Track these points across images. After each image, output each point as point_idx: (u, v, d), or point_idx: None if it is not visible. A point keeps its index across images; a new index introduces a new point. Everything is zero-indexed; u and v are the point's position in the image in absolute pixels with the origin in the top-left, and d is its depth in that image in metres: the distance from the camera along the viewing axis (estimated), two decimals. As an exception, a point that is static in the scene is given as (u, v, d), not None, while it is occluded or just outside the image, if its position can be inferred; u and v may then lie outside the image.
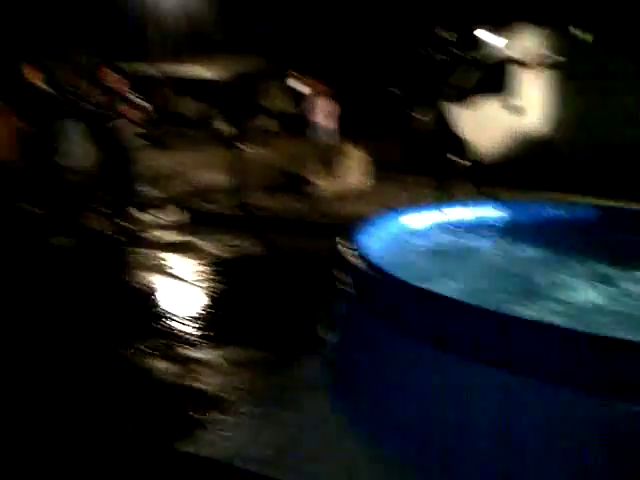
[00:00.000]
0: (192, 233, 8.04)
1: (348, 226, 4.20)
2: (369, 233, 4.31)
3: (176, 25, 20.94)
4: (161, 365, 4.46)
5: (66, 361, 4.56)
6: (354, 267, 3.59)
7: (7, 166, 8.48)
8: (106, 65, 10.41)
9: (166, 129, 18.35)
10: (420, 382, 3.20)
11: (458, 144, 10.31)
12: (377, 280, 3.36)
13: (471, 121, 11.10)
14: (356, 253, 3.77)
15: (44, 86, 9.04)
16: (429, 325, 2.98)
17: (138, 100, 8.89)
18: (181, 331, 5.09)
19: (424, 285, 3.16)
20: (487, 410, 2.85)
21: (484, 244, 5.13)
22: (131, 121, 8.71)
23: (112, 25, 20.79)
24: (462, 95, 11.43)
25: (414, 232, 4.99)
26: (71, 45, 19.16)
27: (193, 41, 21.78)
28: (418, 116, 12.98)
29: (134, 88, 9.27)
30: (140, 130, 8.92)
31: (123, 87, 8.90)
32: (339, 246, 3.95)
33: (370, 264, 3.46)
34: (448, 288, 3.54)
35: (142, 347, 4.74)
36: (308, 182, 10.09)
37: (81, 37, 19.57)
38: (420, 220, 5.10)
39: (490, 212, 5.39)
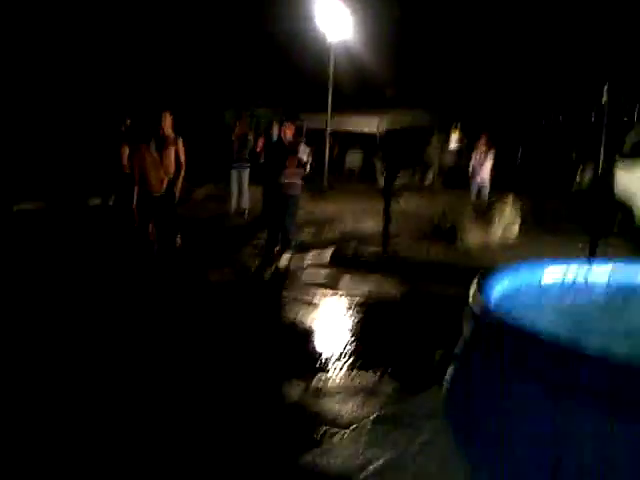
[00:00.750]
0: (341, 275, 8.47)
1: (482, 272, 4.35)
2: (498, 279, 4.40)
3: (350, 81, 21.91)
4: (300, 387, 4.91)
5: (219, 386, 5.04)
6: (470, 308, 3.74)
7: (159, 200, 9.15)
8: (283, 119, 11.19)
9: (330, 179, 19.24)
10: (534, 427, 3.23)
11: (617, 203, 10.02)
12: (488, 322, 3.47)
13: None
14: (479, 296, 3.90)
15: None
16: (537, 369, 3.01)
17: (306, 151, 9.44)
18: (321, 359, 5.50)
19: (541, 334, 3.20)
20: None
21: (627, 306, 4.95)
22: (297, 171, 9.24)
23: (288, 80, 22.20)
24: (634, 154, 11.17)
25: (547, 284, 4.95)
26: (249, 98, 20.71)
27: (365, 96, 22.67)
28: (584, 174, 12.74)
29: (304, 139, 9.87)
30: (303, 180, 9.43)
31: (294, 139, 9.48)
32: (470, 290, 4.12)
33: (484, 305, 3.58)
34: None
35: (283, 375, 5.17)
36: (459, 233, 10.20)
37: (259, 91, 21.08)
38: (555, 273, 5.04)
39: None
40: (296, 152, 9.21)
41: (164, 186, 8.91)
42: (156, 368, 5.23)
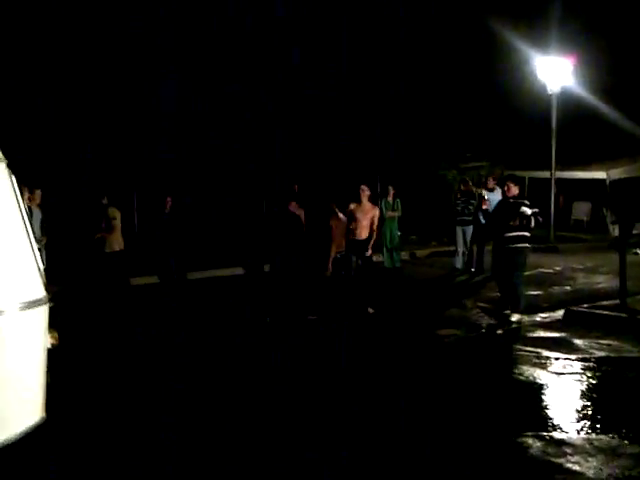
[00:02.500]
0: (571, 332, 8.35)
1: None
2: None
3: (575, 129, 21.20)
4: (538, 444, 5.02)
5: (464, 437, 5.33)
6: None
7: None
8: (508, 176, 11.21)
9: (557, 231, 18.66)
10: None
11: None
12: None
13: None
14: None
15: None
16: None
17: (530, 207, 9.34)
18: (559, 418, 5.56)
19: None
20: None
21: None
22: (523, 227, 9.22)
23: (509, 132, 22.04)
24: None
25: None
26: (464, 153, 20.80)
27: (592, 143, 21.69)
28: None
29: (528, 194, 9.80)
30: (529, 235, 9.36)
31: (518, 195, 9.46)
32: None
33: None
34: None
35: (522, 429, 5.32)
36: None
37: (479, 145, 21.11)
38: None
39: None
40: (520, 209, 9.16)
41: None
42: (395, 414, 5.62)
